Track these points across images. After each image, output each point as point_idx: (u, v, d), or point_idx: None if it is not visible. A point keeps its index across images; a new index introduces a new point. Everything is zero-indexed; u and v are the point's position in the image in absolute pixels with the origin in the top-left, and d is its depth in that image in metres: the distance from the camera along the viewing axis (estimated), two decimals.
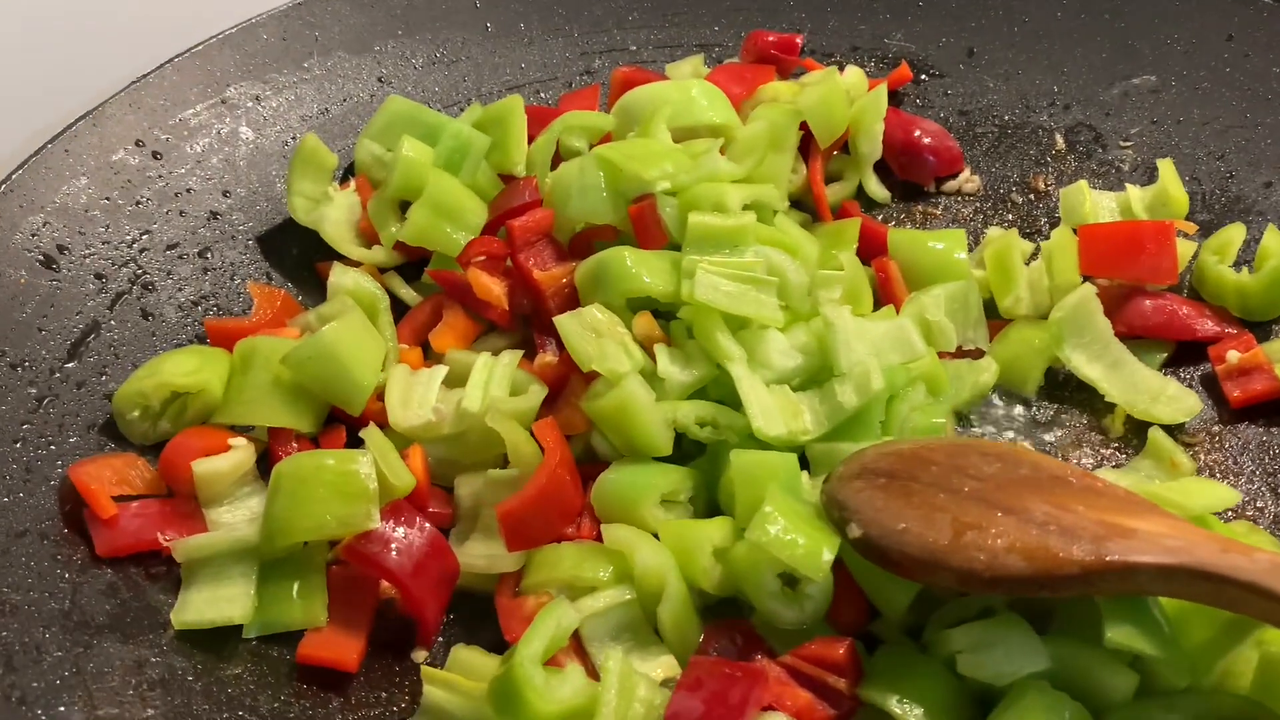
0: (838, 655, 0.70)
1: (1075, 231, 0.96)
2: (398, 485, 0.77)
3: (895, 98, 1.11)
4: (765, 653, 0.73)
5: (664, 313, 0.86)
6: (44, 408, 0.80)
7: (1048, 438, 0.90)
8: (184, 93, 0.98)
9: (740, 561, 0.73)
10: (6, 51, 0.94)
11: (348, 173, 1.02)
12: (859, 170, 1.06)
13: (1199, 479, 0.83)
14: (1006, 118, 1.09)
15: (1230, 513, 0.82)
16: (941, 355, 0.91)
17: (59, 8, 0.96)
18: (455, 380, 0.86)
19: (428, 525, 0.76)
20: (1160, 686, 0.68)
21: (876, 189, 1.06)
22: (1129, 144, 1.05)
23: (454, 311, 0.91)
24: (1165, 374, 0.91)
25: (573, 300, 0.87)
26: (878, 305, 0.95)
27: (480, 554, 0.79)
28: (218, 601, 0.74)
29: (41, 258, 0.86)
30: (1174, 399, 0.88)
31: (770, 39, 1.11)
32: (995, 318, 0.96)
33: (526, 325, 0.91)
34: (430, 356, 0.90)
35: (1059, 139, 1.07)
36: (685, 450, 0.83)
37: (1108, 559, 0.63)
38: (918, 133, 1.07)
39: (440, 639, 0.77)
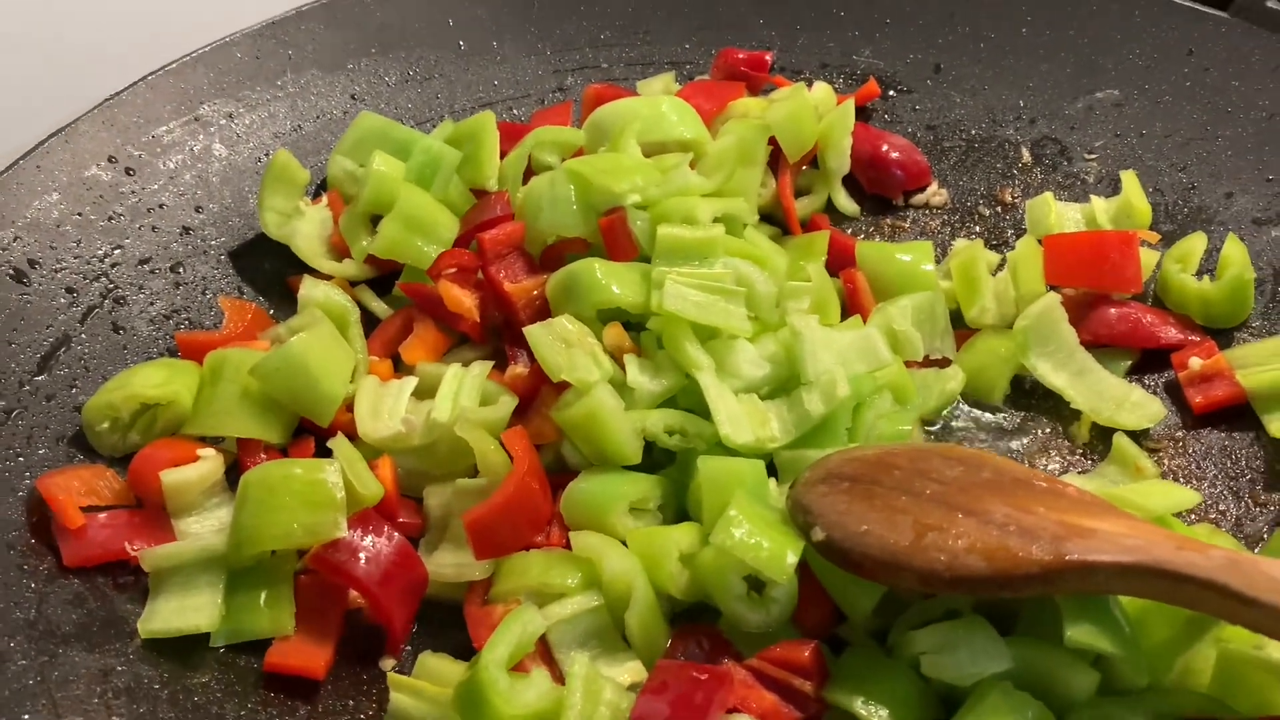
0: (803, 658, 0.70)
1: (1040, 242, 0.96)
2: (365, 494, 0.77)
3: (864, 113, 1.11)
4: (732, 656, 0.73)
5: (634, 324, 0.86)
6: (12, 420, 0.80)
7: (1015, 445, 0.90)
8: (157, 110, 0.99)
9: (706, 566, 0.74)
10: None
11: (320, 188, 1.02)
12: (828, 184, 1.07)
13: (1161, 482, 0.83)
14: (973, 132, 1.10)
15: (1193, 516, 0.83)
16: (909, 364, 0.91)
17: (33, 26, 0.97)
18: (425, 392, 0.87)
19: (396, 534, 0.76)
20: (1121, 685, 0.68)
21: (845, 203, 1.07)
22: (1093, 156, 1.06)
23: (425, 324, 0.92)
24: (1130, 381, 0.92)
25: (544, 312, 0.88)
26: (846, 316, 0.95)
27: (449, 563, 0.79)
28: (185, 610, 0.74)
29: (12, 272, 0.86)
30: (1138, 405, 0.89)
31: (740, 56, 1.12)
32: (962, 327, 0.97)
33: (498, 338, 0.91)
34: (401, 369, 0.90)
35: (1025, 152, 1.08)
36: (655, 459, 0.83)
37: (1067, 558, 0.64)
38: (885, 147, 1.08)
39: (408, 647, 0.76)
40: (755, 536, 0.71)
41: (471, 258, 0.92)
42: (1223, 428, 0.89)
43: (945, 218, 1.07)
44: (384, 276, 0.97)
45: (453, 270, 0.91)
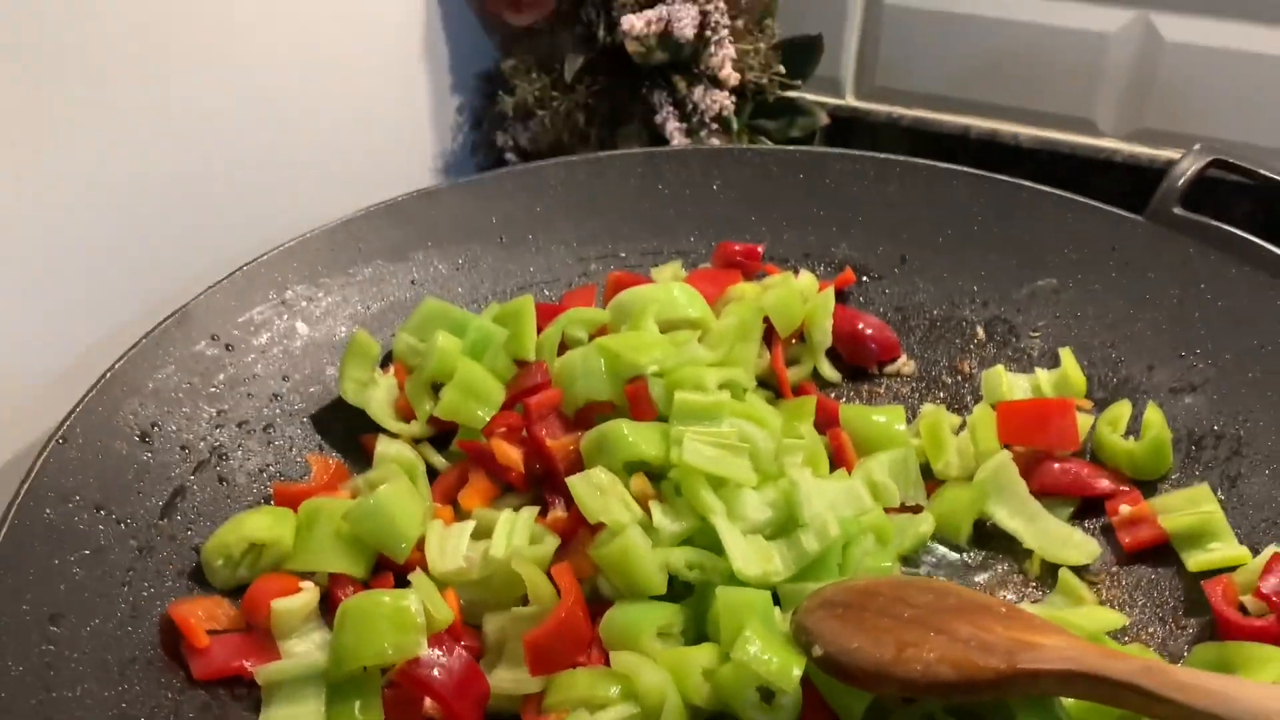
0: None
1: (994, 407, 1.09)
2: (439, 619, 0.88)
3: (842, 296, 1.24)
4: None
5: (656, 474, 0.97)
6: (144, 557, 0.92)
7: (978, 579, 1.01)
8: (250, 295, 1.11)
9: (726, 679, 0.84)
10: (105, 253, 1.08)
11: (385, 359, 1.15)
12: (813, 356, 1.19)
13: (1096, 607, 0.96)
14: (935, 313, 1.23)
15: (1126, 637, 0.94)
16: (887, 510, 1.02)
17: (146, 221, 1.12)
18: (481, 533, 0.97)
19: (464, 652, 0.88)
20: None
21: (829, 371, 1.20)
22: (1037, 334, 1.18)
23: (478, 475, 1.03)
24: (1072, 524, 1.02)
25: (579, 464, 0.99)
26: (832, 468, 1.06)
27: (508, 678, 0.89)
28: (294, 716, 0.85)
29: (139, 433, 0.98)
30: (1079, 545, 1.00)
31: (736, 248, 1.25)
32: (931, 479, 1.07)
33: (538, 486, 1.02)
34: (459, 514, 1.02)
35: (980, 330, 1.21)
36: (676, 591, 0.93)
37: (1018, 667, 0.75)
38: (861, 325, 1.20)
39: None
40: (767, 653, 0.82)
41: (518, 419, 1.04)
42: (1149, 563, 0.99)
43: (913, 385, 1.20)
44: (441, 435, 1.10)
45: (503, 430, 1.04)
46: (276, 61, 1.23)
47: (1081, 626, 0.87)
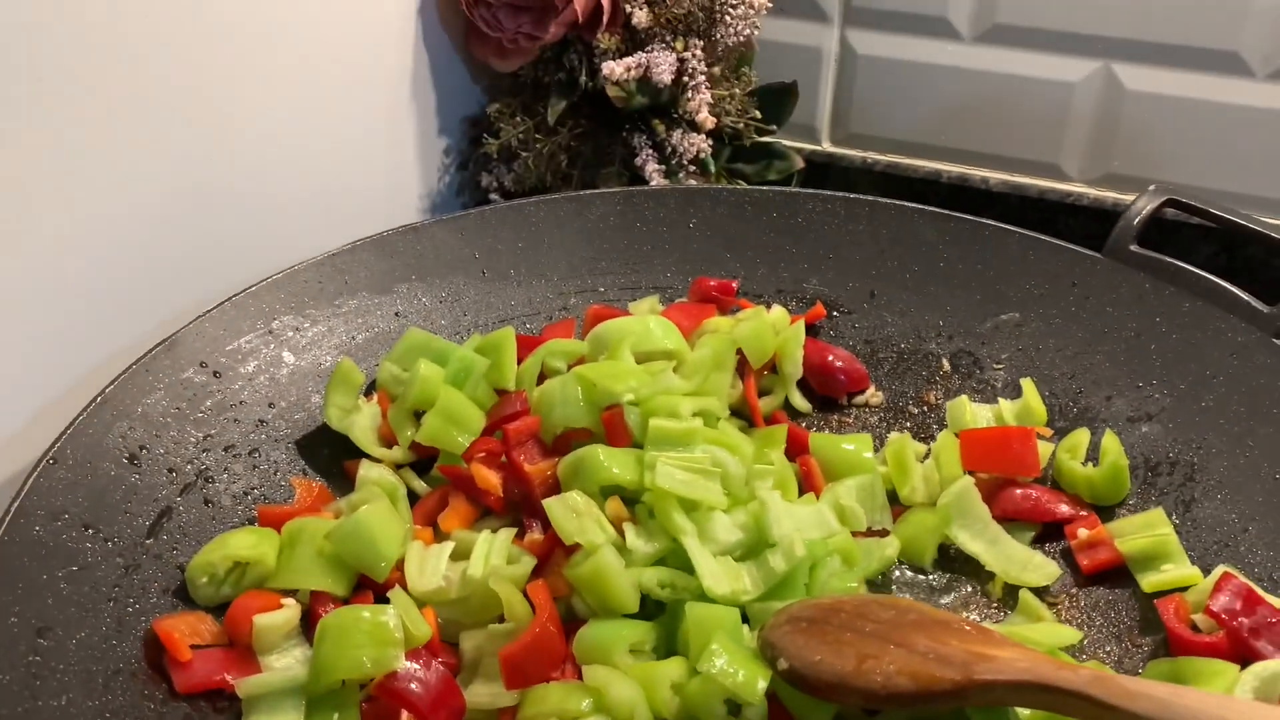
0: None
1: (958, 435, 1.12)
2: (417, 635, 0.90)
3: (813, 330, 1.28)
4: None
5: (630, 498, 1.00)
6: (130, 575, 0.95)
7: (943, 600, 1.04)
8: (239, 324, 1.15)
9: (693, 692, 0.87)
10: (99, 285, 1.11)
11: (369, 388, 1.18)
12: (785, 386, 1.23)
13: (1055, 624, 0.98)
14: (903, 346, 1.27)
15: (1084, 655, 0.97)
16: (854, 534, 1.05)
17: (139, 252, 1.15)
18: (460, 554, 1.00)
19: (442, 667, 0.90)
20: None
21: (799, 401, 1.23)
22: (1000, 366, 1.22)
23: (458, 498, 1.06)
24: (1033, 548, 1.05)
25: (556, 488, 1.02)
26: (802, 494, 1.09)
27: (484, 693, 0.92)
28: None
29: (127, 456, 1.01)
30: (1039, 567, 1.03)
31: (712, 284, 1.28)
32: (897, 504, 1.10)
33: (516, 510, 1.05)
34: (439, 536, 1.04)
35: (945, 363, 1.25)
36: (648, 610, 0.96)
37: (973, 678, 0.78)
38: (831, 357, 1.23)
39: None
40: (733, 666, 0.85)
41: (497, 445, 1.07)
42: (1106, 585, 1.02)
43: (881, 415, 1.23)
44: (423, 460, 1.13)
45: (482, 455, 1.07)
46: (269, 103, 1.28)
47: (1038, 642, 0.90)
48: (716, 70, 1.53)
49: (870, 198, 1.34)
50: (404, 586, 0.97)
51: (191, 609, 0.97)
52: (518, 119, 1.54)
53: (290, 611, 0.95)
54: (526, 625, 0.93)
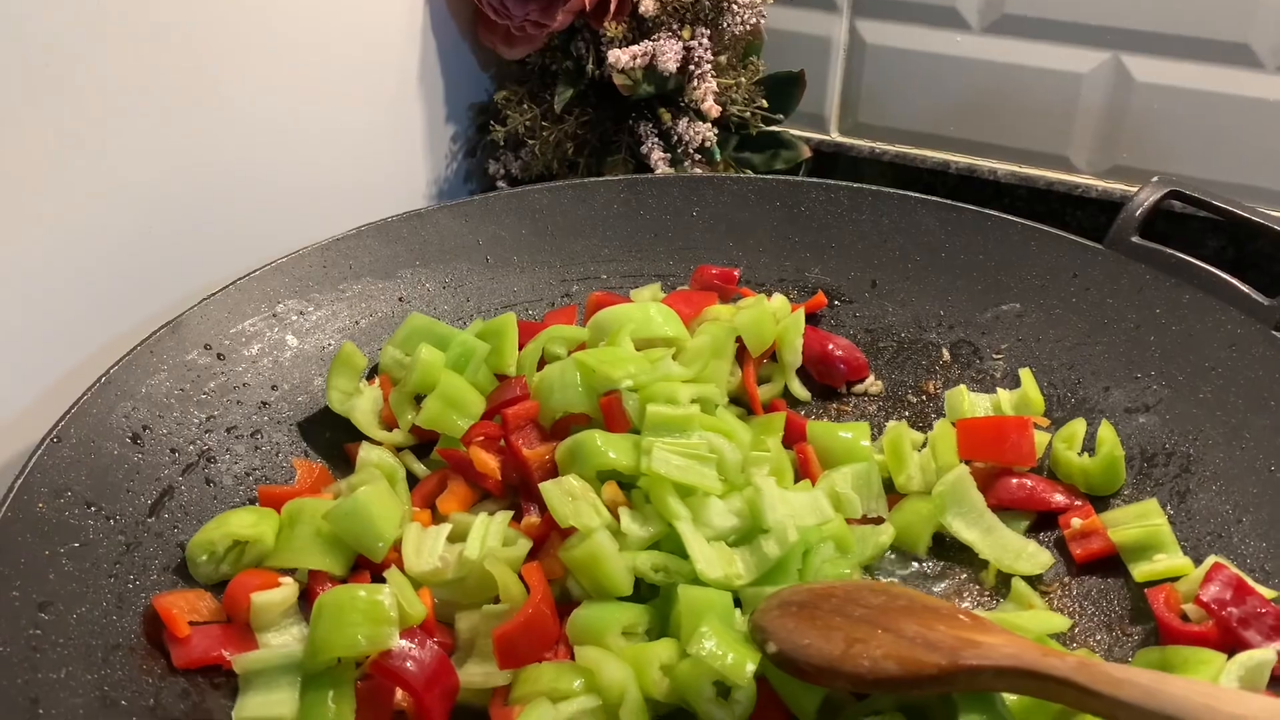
0: None
1: (954, 424, 1.12)
2: (412, 614, 0.91)
3: (814, 319, 1.28)
4: None
5: (626, 483, 1.00)
6: (131, 552, 0.96)
7: (936, 588, 1.05)
8: (243, 307, 1.16)
9: (683, 674, 0.88)
10: (103, 262, 1.12)
11: (371, 373, 1.20)
12: (784, 375, 1.24)
13: (1044, 612, 0.99)
14: (903, 335, 1.27)
15: (1075, 643, 0.97)
16: (850, 521, 1.05)
17: (146, 236, 1.17)
18: (457, 537, 1.01)
19: (436, 646, 0.91)
20: None
21: (799, 390, 1.24)
22: (1000, 356, 1.22)
23: (457, 482, 1.07)
24: (1028, 537, 1.06)
25: (553, 473, 1.02)
26: (798, 481, 1.10)
27: (477, 672, 0.93)
28: (269, 704, 0.88)
29: (131, 435, 1.03)
30: (1032, 556, 1.04)
31: (714, 272, 1.30)
32: (893, 492, 1.11)
33: (515, 493, 1.06)
34: (437, 518, 1.05)
35: (945, 352, 1.25)
36: (642, 594, 0.96)
37: (960, 663, 0.79)
38: (831, 346, 1.24)
39: None
40: (722, 648, 0.86)
41: (496, 429, 1.08)
42: (1099, 574, 1.02)
43: (880, 404, 1.24)
44: (424, 444, 1.14)
45: (481, 439, 1.08)
46: (278, 88, 1.29)
47: (1027, 629, 0.91)
48: (723, 59, 1.53)
49: (873, 187, 1.34)
50: (401, 567, 0.99)
51: (191, 586, 0.99)
52: (525, 106, 1.55)
53: (288, 590, 0.97)
54: (521, 606, 0.94)
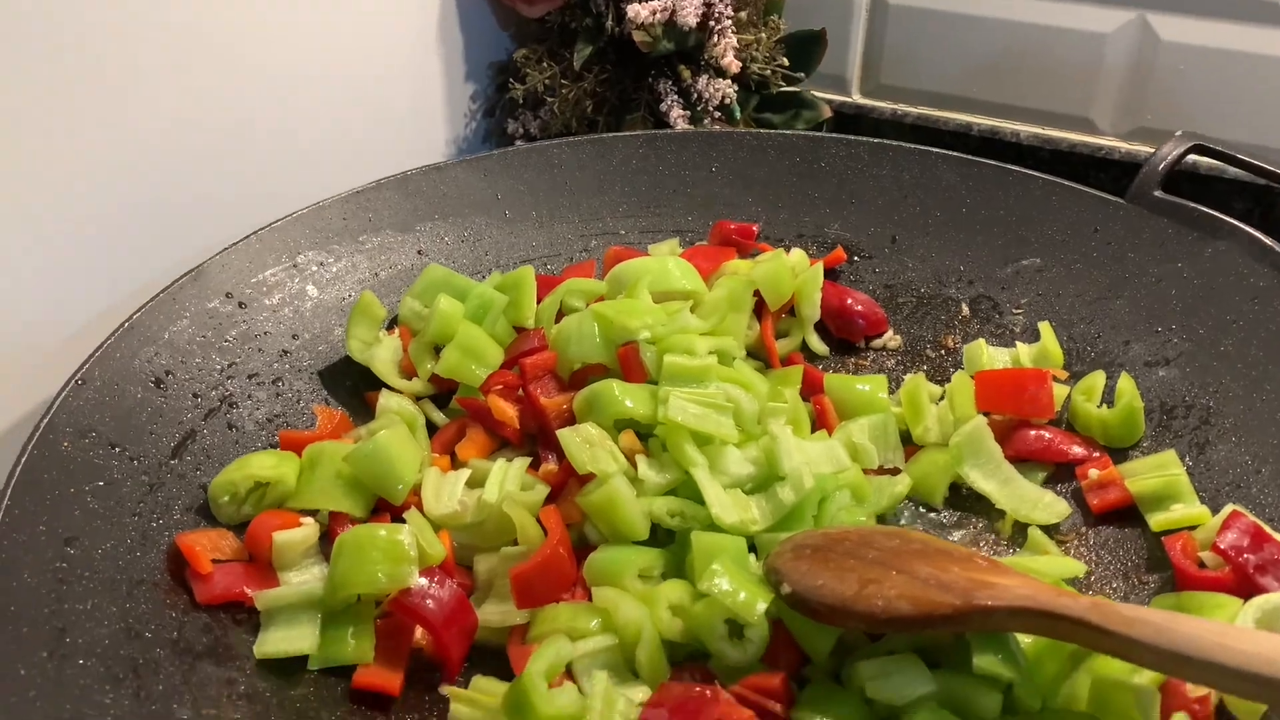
0: (774, 685, 0.85)
1: (972, 377, 1.12)
2: (432, 554, 0.93)
3: (833, 274, 1.28)
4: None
5: (643, 432, 1.01)
6: (154, 492, 0.98)
7: (952, 537, 1.05)
8: (264, 257, 1.17)
9: (697, 614, 0.89)
10: (126, 210, 1.13)
11: (391, 324, 1.21)
12: (803, 329, 1.24)
13: (1060, 557, 0.99)
14: (923, 290, 1.27)
15: (1091, 590, 0.98)
16: (866, 472, 1.06)
17: (171, 186, 1.18)
18: (475, 482, 1.03)
19: (455, 585, 0.92)
20: (1020, 707, 0.82)
21: (817, 344, 1.24)
22: (1020, 311, 1.22)
23: (476, 430, 1.08)
24: (1045, 488, 1.06)
25: (571, 421, 1.03)
26: (815, 432, 1.10)
27: (495, 611, 0.94)
28: (290, 638, 0.90)
29: (153, 379, 1.04)
30: (1049, 506, 1.04)
31: (732, 227, 1.30)
32: (910, 444, 1.11)
33: (533, 442, 1.07)
34: (456, 464, 1.07)
35: (965, 307, 1.25)
36: (659, 538, 0.97)
37: (973, 603, 0.79)
38: (850, 301, 1.24)
39: (461, 678, 0.92)
40: (734, 586, 0.87)
41: (514, 378, 1.09)
42: (1115, 524, 1.02)
43: (899, 359, 1.24)
44: (443, 393, 1.15)
45: (499, 388, 1.09)
46: (299, 45, 1.30)
47: (1043, 573, 0.90)
48: (743, 15, 1.53)
49: (894, 142, 1.34)
50: (421, 510, 1.00)
51: (213, 526, 1.00)
52: (544, 65, 1.55)
53: (309, 529, 0.98)
54: (538, 548, 0.95)
